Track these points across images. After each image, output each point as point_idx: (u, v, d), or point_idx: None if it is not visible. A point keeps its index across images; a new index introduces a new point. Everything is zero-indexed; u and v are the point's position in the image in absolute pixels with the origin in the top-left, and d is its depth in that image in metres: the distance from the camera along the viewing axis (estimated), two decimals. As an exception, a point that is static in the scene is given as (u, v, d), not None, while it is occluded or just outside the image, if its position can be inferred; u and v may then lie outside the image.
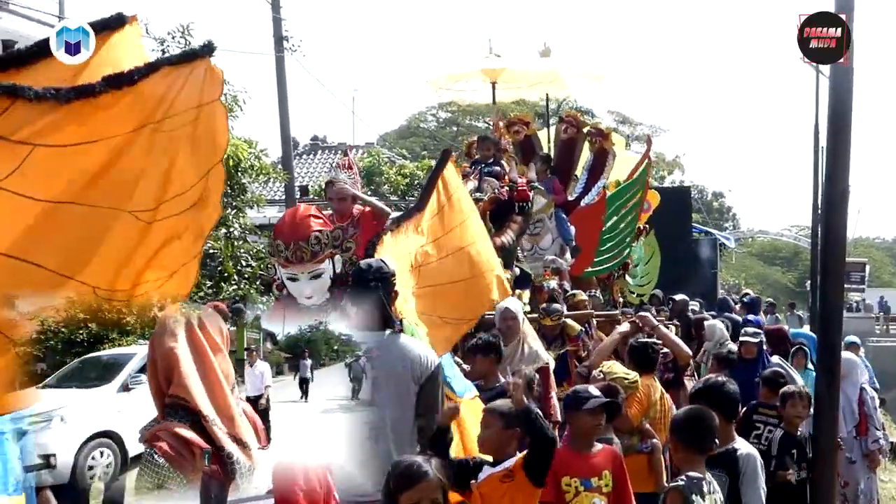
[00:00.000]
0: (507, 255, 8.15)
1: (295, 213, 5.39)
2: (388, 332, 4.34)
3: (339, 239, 5.11)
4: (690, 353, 6.13)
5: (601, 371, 6.13)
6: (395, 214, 5.88)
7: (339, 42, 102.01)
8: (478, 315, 6.23)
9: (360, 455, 3.98)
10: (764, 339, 8.96)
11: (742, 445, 5.08)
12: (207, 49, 3.61)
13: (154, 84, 3.44)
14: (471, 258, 5.98)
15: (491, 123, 11.58)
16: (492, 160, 9.39)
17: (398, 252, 5.40)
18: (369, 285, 4.24)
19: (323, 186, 28.50)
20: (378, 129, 70.00)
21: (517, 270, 8.77)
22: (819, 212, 15.30)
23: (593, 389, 5.27)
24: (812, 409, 6.73)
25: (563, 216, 10.47)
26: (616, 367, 6.21)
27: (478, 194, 8.00)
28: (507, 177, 9.20)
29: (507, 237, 8.58)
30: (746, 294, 15.23)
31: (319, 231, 5.06)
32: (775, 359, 8.69)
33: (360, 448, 3.99)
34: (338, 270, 5.10)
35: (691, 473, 4.37)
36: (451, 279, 5.82)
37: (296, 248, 5.04)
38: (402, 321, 5.23)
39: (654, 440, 6.17)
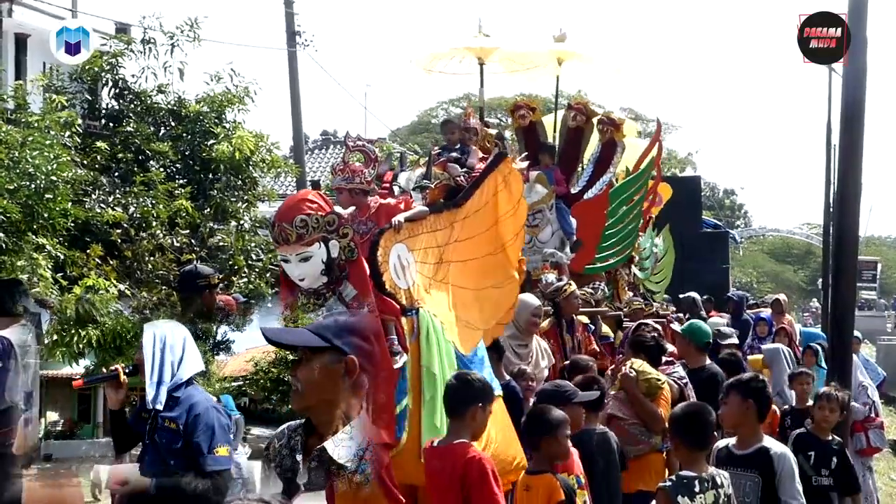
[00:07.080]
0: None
1: (294, 196, 5.32)
2: None
3: (333, 224, 4.95)
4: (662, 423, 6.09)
5: (633, 369, 6.12)
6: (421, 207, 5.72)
7: (351, 37, 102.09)
8: (496, 322, 5.98)
9: None
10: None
11: (774, 445, 4.96)
12: None
13: None
14: (496, 266, 5.85)
15: (489, 116, 11.04)
16: (458, 145, 9.01)
17: (420, 243, 5.28)
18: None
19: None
20: (390, 125, 69.94)
21: None
22: (831, 210, 15.21)
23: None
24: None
25: (565, 208, 10.01)
26: (647, 367, 6.20)
27: (425, 181, 7.80)
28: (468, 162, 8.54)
29: None
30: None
31: (307, 215, 4.90)
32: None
33: None
34: (333, 255, 4.95)
35: (683, 473, 4.39)
36: (476, 286, 5.68)
37: (280, 229, 4.91)
38: (419, 311, 5.17)
39: None
